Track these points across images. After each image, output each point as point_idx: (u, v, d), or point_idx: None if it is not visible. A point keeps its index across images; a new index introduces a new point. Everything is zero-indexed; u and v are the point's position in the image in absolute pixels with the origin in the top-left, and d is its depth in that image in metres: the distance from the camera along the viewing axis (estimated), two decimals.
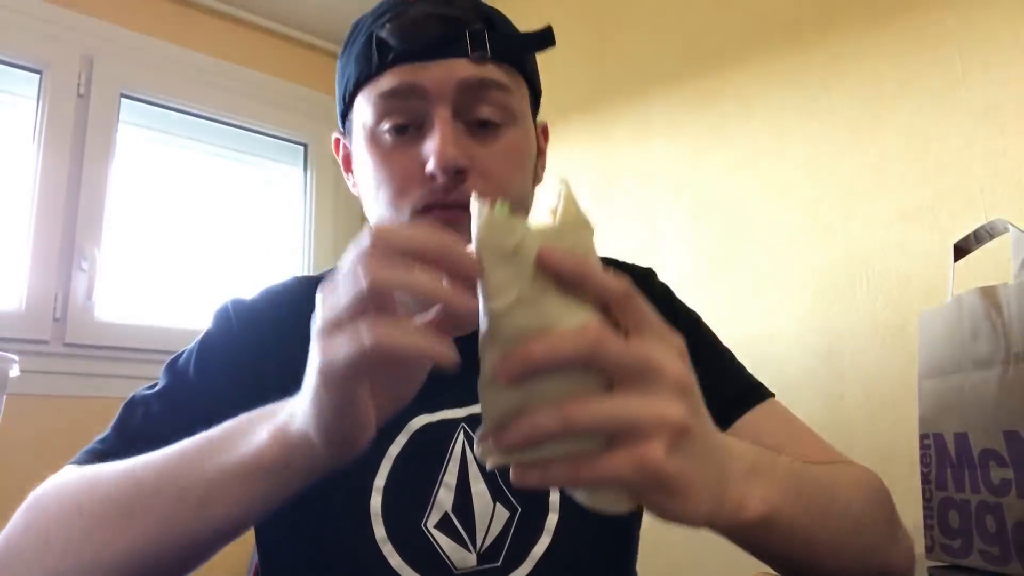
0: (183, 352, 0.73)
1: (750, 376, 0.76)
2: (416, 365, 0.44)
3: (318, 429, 0.44)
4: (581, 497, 0.42)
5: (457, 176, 0.64)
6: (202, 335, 0.74)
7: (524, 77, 0.71)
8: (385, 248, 0.39)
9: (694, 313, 0.81)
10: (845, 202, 1.40)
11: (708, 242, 1.62)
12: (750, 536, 0.48)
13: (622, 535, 0.74)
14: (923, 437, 0.91)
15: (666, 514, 0.42)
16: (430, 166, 0.63)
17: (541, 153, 0.78)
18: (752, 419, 0.70)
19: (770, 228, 1.51)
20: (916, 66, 1.33)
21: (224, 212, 2.32)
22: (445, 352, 0.39)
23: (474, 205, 0.41)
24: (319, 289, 0.43)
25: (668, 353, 0.42)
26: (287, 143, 2.50)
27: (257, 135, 2.42)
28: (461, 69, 0.65)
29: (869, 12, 1.41)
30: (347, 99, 0.72)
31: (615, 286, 0.41)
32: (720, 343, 0.79)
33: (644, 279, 0.81)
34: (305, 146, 2.53)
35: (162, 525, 0.50)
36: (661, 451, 0.39)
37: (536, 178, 0.76)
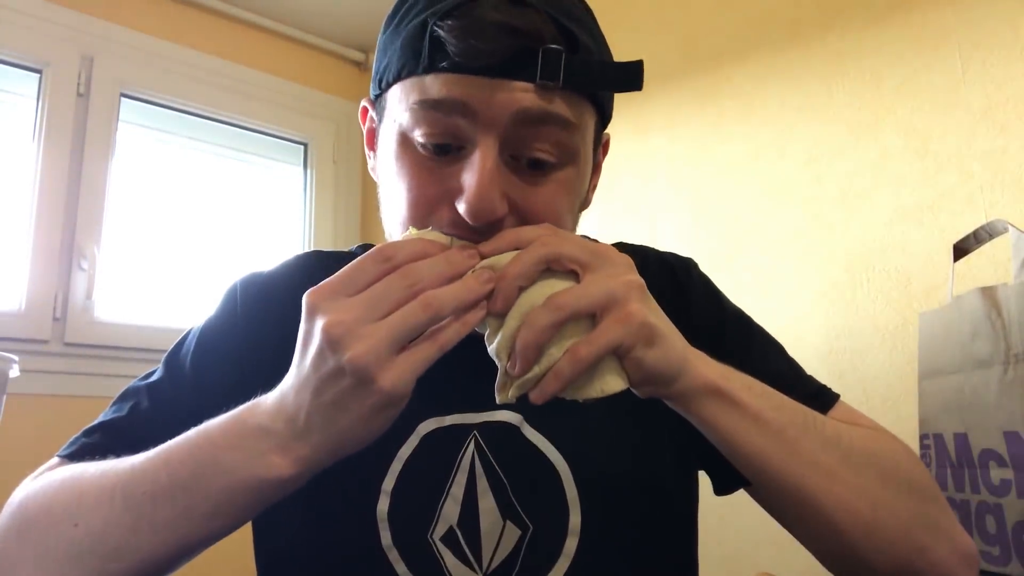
0: (186, 337, 0.72)
1: (810, 380, 0.71)
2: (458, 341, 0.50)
3: (353, 444, 0.49)
4: (582, 394, 0.49)
5: (491, 227, 0.55)
6: (205, 320, 0.72)
7: (595, 106, 0.60)
8: (420, 277, 0.48)
9: (743, 313, 0.75)
10: (845, 201, 1.40)
11: (708, 241, 1.62)
12: (713, 409, 0.53)
13: (658, 565, 0.66)
14: (923, 437, 0.91)
15: (648, 366, 0.49)
16: (461, 208, 0.55)
17: (596, 169, 0.68)
18: None
19: (770, 227, 1.51)
20: (916, 65, 1.33)
21: (224, 211, 2.32)
22: (459, 333, 0.48)
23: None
24: (329, 324, 0.47)
25: (608, 246, 0.53)
26: (287, 143, 2.49)
27: (257, 135, 2.42)
28: (523, 97, 0.54)
29: (869, 11, 1.41)
30: (383, 84, 0.62)
31: (543, 228, 0.53)
32: (775, 345, 0.73)
33: (685, 270, 0.75)
34: (305, 146, 2.52)
35: (169, 536, 0.51)
36: (638, 305, 0.49)
37: (584, 202, 0.67)
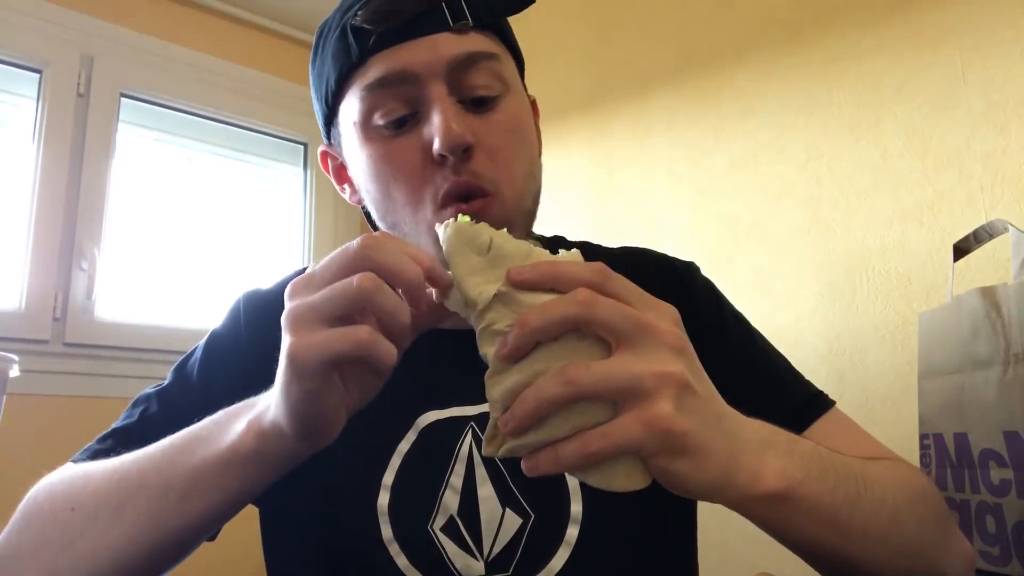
0: (193, 350, 0.74)
1: (808, 384, 0.72)
2: (379, 365, 0.44)
3: (288, 418, 0.46)
4: (594, 480, 0.42)
5: (464, 154, 0.62)
6: (211, 333, 0.75)
7: (506, 44, 0.69)
8: (373, 260, 0.44)
9: (743, 317, 0.76)
10: (845, 202, 1.40)
11: (708, 241, 1.62)
12: (769, 513, 0.46)
13: (658, 553, 0.67)
14: (923, 437, 0.91)
15: (678, 479, 0.41)
16: (436, 146, 0.60)
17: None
18: (814, 435, 0.65)
19: (770, 228, 1.51)
20: (916, 66, 1.33)
21: (224, 211, 2.32)
22: (386, 354, 0.43)
23: (438, 228, 0.45)
24: (290, 284, 0.46)
25: (660, 316, 0.42)
26: (287, 143, 2.50)
27: (257, 135, 2.42)
28: (447, 45, 0.62)
29: (869, 11, 1.41)
30: (330, 103, 0.69)
31: (589, 271, 0.42)
32: (773, 349, 0.74)
33: (688, 273, 0.77)
34: (305, 145, 2.53)
35: (148, 518, 0.52)
36: (668, 407, 0.39)
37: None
